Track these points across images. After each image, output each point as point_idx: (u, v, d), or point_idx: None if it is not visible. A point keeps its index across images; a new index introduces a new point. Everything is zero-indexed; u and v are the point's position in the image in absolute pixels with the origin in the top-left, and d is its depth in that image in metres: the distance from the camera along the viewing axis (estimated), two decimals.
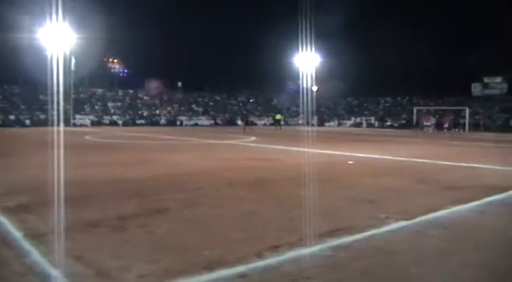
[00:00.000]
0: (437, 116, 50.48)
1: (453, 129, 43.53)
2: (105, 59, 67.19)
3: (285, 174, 11.47)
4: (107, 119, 55.85)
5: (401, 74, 65.56)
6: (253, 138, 28.52)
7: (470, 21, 56.90)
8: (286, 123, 58.41)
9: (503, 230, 6.02)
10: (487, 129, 48.84)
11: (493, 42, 57.19)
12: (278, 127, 45.67)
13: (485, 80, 61.58)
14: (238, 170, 12.12)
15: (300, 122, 50.05)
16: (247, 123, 44.09)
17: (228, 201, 7.75)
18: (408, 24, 59.93)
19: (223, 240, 5.37)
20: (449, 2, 58.28)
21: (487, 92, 61.30)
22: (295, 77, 55.54)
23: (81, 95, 59.24)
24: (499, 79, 60.95)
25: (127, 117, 57.36)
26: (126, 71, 70.38)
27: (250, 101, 71.71)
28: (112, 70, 69.79)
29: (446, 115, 48.71)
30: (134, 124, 54.56)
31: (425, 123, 46.79)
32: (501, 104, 58.35)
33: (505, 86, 60.37)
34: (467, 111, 49.54)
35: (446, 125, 44.90)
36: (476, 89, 62.24)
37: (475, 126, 48.11)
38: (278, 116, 50.06)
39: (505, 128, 49.57)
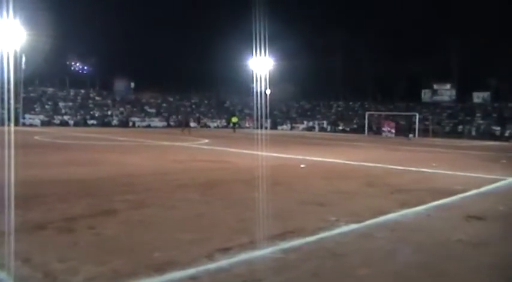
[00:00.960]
0: (402, 122, 51.40)
1: (410, 135, 44.45)
2: (65, 58, 65.46)
3: (237, 176, 11.52)
4: (57, 119, 54.60)
5: (353, 79, 66.65)
6: (206, 140, 28.46)
7: (421, 29, 58.29)
8: (239, 126, 58.45)
9: (446, 233, 6.22)
10: (435, 134, 50.08)
11: (443, 49, 58.84)
12: (234, 130, 45.70)
13: (435, 86, 63.06)
14: (190, 172, 12.10)
15: (247, 125, 50.18)
16: (186, 124, 44.04)
17: (179, 203, 7.72)
18: (360, 31, 60.98)
19: (174, 242, 5.36)
20: (400, 10, 59.52)
21: (436, 98, 62.79)
22: (249, 80, 55.58)
23: (31, 94, 57.79)
24: (448, 86, 62.52)
25: (78, 117, 56.25)
26: (85, 67, 68.71)
27: (204, 102, 71.50)
28: (72, 68, 67.99)
29: (406, 120, 49.63)
30: (85, 124, 53.58)
31: (384, 129, 47.38)
32: (449, 110, 59.94)
33: (453, 92, 61.98)
34: (417, 116, 50.68)
35: (389, 129, 45.82)
36: (425, 95, 63.64)
37: (425, 132, 49.23)
38: (234, 119, 50.07)
39: (452, 134, 51.03)
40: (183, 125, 44.02)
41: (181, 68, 60.92)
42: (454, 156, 22.60)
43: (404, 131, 47.72)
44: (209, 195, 8.63)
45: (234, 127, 46.96)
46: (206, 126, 61.50)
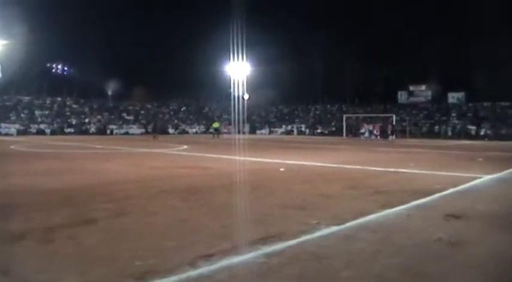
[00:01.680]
0: (380, 124, 51.65)
1: (388, 136, 44.63)
2: (42, 66, 64.55)
3: (217, 182, 11.48)
4: (34, 127, 53.95)
5: (331, 83, 66.93)
6: (185, 146, 28.36)
7: (397, 32, 58.86)
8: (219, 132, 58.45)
9: (426, 233, 6.25)
10: (413, 135, 50.61)
11: (418, 52, 59.43)
12: (216, 135, 45.55)
13: (411, 88, 63.82)
14: (170, 179, 12.03)
15: (225, 130, 50.09)
16: (155, 130, 44.22)
17: (160, 210, 7.67)
18: (338, 35, 61.44)
19: (155, 249, 5.31)
20: (376, 14, 60.13)
21: (413, 99, 63.49)
22: (227, 85, 55.53)
23: (7, 103, 57.06)
24: (423, 87, 63.30)
25: (55, 125, 55.64)
26: (65, 71, 67.75)
27: (182, 109, 71.23)
28: (52, 72, 66.96)
29: (387, 122, 49.85)
30: (63, 133, 52.99)
31: (363, 131, 47.43)
32: (426, 111, 60.61)
33: (429, 93, 62.74)
34: (394, 118, 51.13)
35: (389, 132, 45.93)
36: (402, 96, 64.34)
37: (402, 133, 49.70)
38: (216, 124, 49.91)
39: (429, 134, 51.66)
40: (155, 132, 44.29)
41: (160, 75, 60.61)
42: (431, 156, 22.82)
43: (383, 132, 48.01)
44: (190, 201, 8.58)
45: (215, 133, 46.82)
46: (185, 132, 61.29)
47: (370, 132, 49.68)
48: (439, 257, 5.21)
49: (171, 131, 60.86)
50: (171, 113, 69.67)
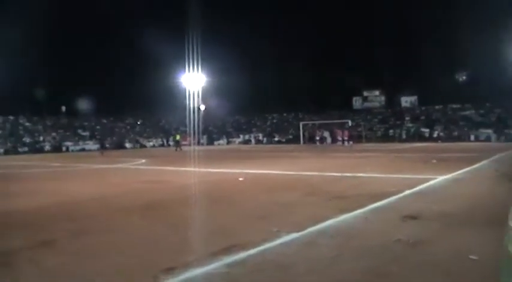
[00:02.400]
0: (337, 130, 51.99)
1: (348, 142, 44.87)
2: None
3: (177, 195, 11.40)
4: None
5: (286, 91, 67.43)
6: (143, 160, 28.05)
7: (350, 38, 59.79)
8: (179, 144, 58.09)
9: (385, 235, 6.37)
10: (368, 140, 51.37)
11: (372, 58, 60.44)
12: (178, 148, 45.09)
13: (365, 93, 64.73)
14: (129, 194, 11.89)
15: (184, 142, 49.87)
16: (102, 146, 44.42)
17: (120, 227, 7.57)
18: (291, 42, 62.07)
19: (117, 267, 5.25)
20: (329, 22, 60.97)
21: (367, 104, 64.41)
22: (183, 96, 55.13)
23: None
24: (377, 92, 64.33)
25: (8, 145, 54.23)
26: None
27: (138, 123, 70.50)
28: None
29: (344, 128, 50.23)
30: (17, 152, 51.68)
31: (339, 138, 47.56)
32: (380, 115, 61.59)
33: (382, 98, 63.80)
34: (350, 123, 51.77)
35: (340, 138, 46.12)
36: (357, 102, 65.20)
37: (358, 138, 50.29)
38: (178, 137, 49.44)
39: (384, 138, 52.55)
40: (102, 147, 44.79)
41: (115, 89, 59.78)
42: (387, 159, 23.22)
43: (334, 138, 48.52)
44: (150, 216, 8.51)
45: (177, 145, 46.44)
46: (142, 146, 60.64)
47: (322, 139, 50.17)
48: (398, 258, 5.31)
49: (128, 145, 60.03)
50: (128, 127, 68.85)
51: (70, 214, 9.01)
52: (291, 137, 59.83)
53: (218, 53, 50.46)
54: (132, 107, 68.36)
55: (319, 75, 62.45)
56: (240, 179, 14.57)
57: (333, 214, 7.85)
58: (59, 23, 52.67)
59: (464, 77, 57.80)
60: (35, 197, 11.87)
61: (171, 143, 59.10)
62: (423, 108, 59.94)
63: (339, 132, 46.75)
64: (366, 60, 59.93)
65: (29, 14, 47.81)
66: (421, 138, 50.78)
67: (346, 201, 9.33)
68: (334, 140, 49.42)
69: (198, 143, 50.63)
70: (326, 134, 52.90)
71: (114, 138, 61.90)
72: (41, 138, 58.13)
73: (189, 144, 46.01)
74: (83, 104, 62.66)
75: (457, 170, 14.99)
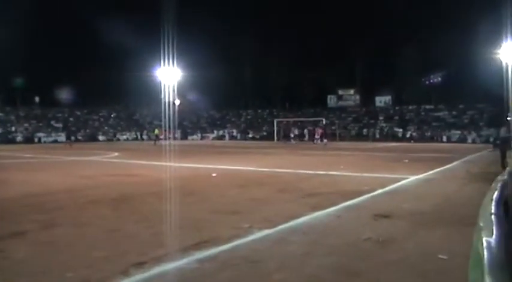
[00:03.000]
0: (310, 128, 51.93)
1: (321, 140, 44.71)
2: None
3: (148, 189, 11.34)
4: None
5: (261, 87, 67.61)
6: (116, 153, 27.83)
7: (326, 37, 60.01)
8: (149, 138, 57.60)
9: (356, 233, 6.43)
10: (342, 138, 51.72)
11: (347, 56, 60.86)
12: (156, 142, 44.76)
13: (340, 92, 64.97)
14: (100, 187, 11.79)
15: (160, 136, 49.48)
16: (69, 138, 45.49)
17: (90, 220, 7.50)
18: (266, 39, 62.08)
19: (87, 260, 5.19)
20: (305, 20, 61.30)
21: (342, 103, 64.69)
22: (158, 90, 54.63)
23: None
24: (351, 91, 64.67)
25: None
26: None
27: (112, 115, 69.84)
28: None
29: (318, 126, 50.25)
30: None
31: (316, 136, 47.35)
32: (354, 114, 62.00)
33: (357, 97, 64.16)
34: (324, 121, 51.98)
35: (317, 136, 45.82)
36: (331, 100, 65.45)
37: (332, 136, 50.49)
38: (157, 131, 49.06)
39: (358, 137, 52.94)
40: (69, 139, 45.55)
41: (89, 80, 59.07)
42: (360, 158, 23.41)
43: (312, 136, 48.56)
44: (121, 210, 8.45)
45: (156, 139, 46.17)
46: (116, 139, 60.13)
47: (296, 137, 50.24)
48: (368, 256, 5.36)
49: (101, 138, 59.46)
50: (101, 119, 68.18)
51: (41, 206, 8.89)
52: (265, 133, 59.89)
53: (194, 48, 50.24)
54: (107, 100, 67.73)
55: (294, 73, 62.74)
56: (213, 174, 14.56)
57: (305, 211, 7.90)
58: (33, 14, 51.80)
59: (438, 78, 58.64)
60: (5, 188, 11.71)
61: (145, 137, 58.69)
62: (397, 108, 60.52)
63: (317, 130, 46.66)
64: (341, 59, 60.37)
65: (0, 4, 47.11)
66: (394, 138, 51.31)
67: (319, 198, 9.38)
68: (310, 137, 49.51)
69: (173, 138, 50.34)
70: (303, 131, 53.08)
71: (88, 130, 61.27)
72: (13, 129, 57.30)
73: (164, 139, 45.68)
74: (57, 95, 61.93)
75: (429, 170, 15.20)
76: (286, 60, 62.01)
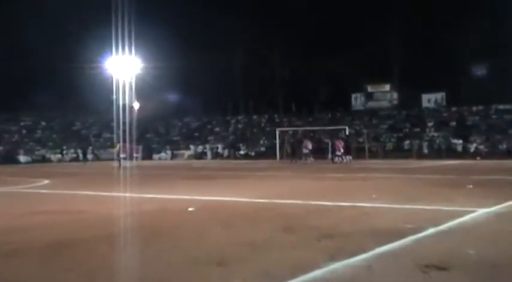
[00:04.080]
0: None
1: (342, 157, 44.18)
2: None
3: (96, 231, 11.21)
4: None
5: (257, 84, 67.50)
6: (46, 181, 27.66)
7: (345, 11, 60.12)
8: (97, 157, 57.46)
9: None
10: (373, 155, 51.48)
11: (378, 38, 60.88)
12: (119, 164, 43.79)
13: (369, 88, 64.85)
14: (25, 231, 11.61)
15: (122, 155, 48.91)
16: None
17: (11, 278, 7.38)
18: (263, 19, 62.21)
19: None
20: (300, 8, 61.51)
21: (372, 104, 64.66)
22: (109, 89, 54.56)
23: None
24: (386, 87, 64.49)
25: None
26: None
27: (40, 125, 69.61)
28: None
29: (338, 137, 49.83)
30: None
31: (338, 153, 46.56)
32: (391, 120, 61.75)
33: (394, 95, 63.98)
34: (347, 131, 51.80)
35: (339, 152, 44.87)
36: (357, 101, 65.44)
37: (358, 152, 50.19)
38: (117, 147, 47.55)
39: (397, 153, 52.41)
40: None
41: (6, 75, 58.82)
42: (400, 182, 23.35)
43: (328, 151, 48.10)
44: (54, 264, 8.32)
45: (119, 159, 45.13)
46: (45, 159, 59.69)
47: (311, 152, 49.80)
48: None
49: (22, 158, 58.78)
50: (24, 131, 67.94)
51: None
52: (263, 149, 59.95)
53: (161, 29, 50.32)
54: (32, 103, 67.16)
55: (303, 63, 62.77)
56: (190, 209, 14.46)
57: (322, 260, 7.79)
58: None
59: None
60: None
61: (89, 156, 58.09)
62: (454, 109, 60.19)
63: (337, 143, 46.15)
64: (371, 42, 60.34)
65: None
66: (450, 153, 50.76)
67: (340, 241, 9.29)
68: (327, 154, 49.08)
69: (131, 157, 49.99)
70: (319, 145, 52.89)
71: (1, 147, 60.72)
72: None
73: (126, 158, 45.23)
74: None
75: (504, 201, 15.05)
76: (291, 46, 62.16)
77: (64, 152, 63.42)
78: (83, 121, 71.99)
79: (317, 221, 11.95)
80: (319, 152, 51.93)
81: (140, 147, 60.57)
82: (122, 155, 45.53)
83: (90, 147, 61.12)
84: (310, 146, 50.85)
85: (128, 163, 40.67)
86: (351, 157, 44.14)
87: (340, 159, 43.56)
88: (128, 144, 47.80)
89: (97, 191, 21.29)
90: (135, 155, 53.89)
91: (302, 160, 47.03)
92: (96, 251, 9.28)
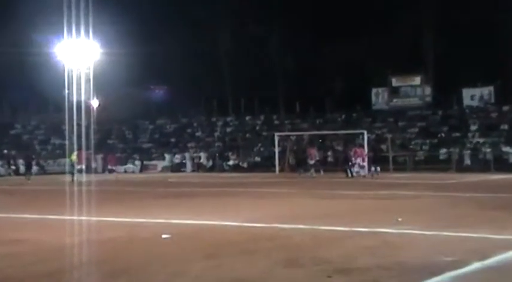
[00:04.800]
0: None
1: (373, 169, 44.03)
2: None
3: (38, 268, 11.11)
4: None
5: (250, 76, 67.43)
6: None
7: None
8: (43, 170, 57.45)
9: None
10: (400, 166, 51.42)
11: (404, 19, 60.98)
12: (73, 178, 43.71)
13: (394, 82, 64.56)
14: None
15: (78, 166, 48.64)
16: None
17: None
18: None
19: None
20: None
21: (399, 102, 64.53)
22: (59, 82, 54.39)
23: None
24: (416, 79, 64.24)
25: None
26: None
27: None
28: None
29: (356, 144, 49.86)
30: None
31: (356, 161, 46.21)
32: (423, 122, 61.61)
33: (428, 91, 63.78)
34: (365, 136, 51.67)
35: (362, 163, 44.71)
36: (379, 97, 65.22)
37: (380, 162, 50.12)
38: (74, 157, 47.35)
39: (430, 164, 52.27)
40: None
41: None
42: (434, 202, 23.42)
43: (343, 162, 48.13)
44: None
45: (73, 172, 45.12)
46: None
47: (319, 162, 49.76)
48: None
49: None
50: None
51: None
52: (258, 159, 59.99)
53: (125, 6, 50.36)
54: None
55: (309, 50, 62.82)
56: (164, 236, 14.47)
57: None
58: None
59: None
60: None
61: (34, 168, 57.87)
62: (505, 108, 59.97)
63: (358, 152, 46.02)
64: (398, 23, 60.42)
65: None
66: (501, 164, 50.60)
67: (356, 279, 9.32)
68: (340, 165, 49.14)
69: (88, 169, 49.77)
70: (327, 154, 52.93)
71: None
72: None
73: (82, 170, 45.18)
74: None
75: None
76: (296, 26, 62.30)
77: None
78: (24, 123, 71.88)
79: (327, 251, 11.98)
80: (330, 163, 52.06)
81: (99, 157, 60.50)
82: (78, 167, 45.49)
83: (33, 156, 60.86)
84: (316, 156, 50.89)
85: (83, 177, 40.62)
86: (378, 169, 43.95)
87: (361, 171, 43.61)
88: (84, 153, 47.72)
89: (40, 213, 21.23)
90: (93, 165, 53.70)
91: (307, 173, 47.08)
92: None
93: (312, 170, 47.38)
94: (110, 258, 11.44)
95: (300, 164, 50.83)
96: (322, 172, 47.19)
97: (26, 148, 65.04)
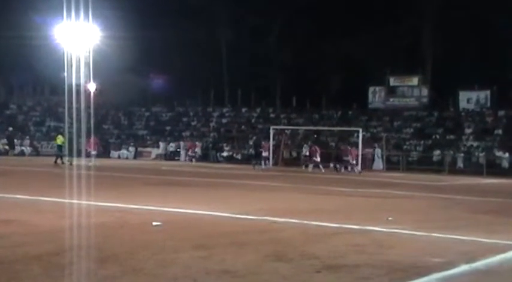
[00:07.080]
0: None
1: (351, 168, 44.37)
2: None
3: (30, 249, 11.06)
4: None
5: (247, 70, 67.37)
6: None
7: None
8: (36, 151, 57.33)
9: None
10: (393, 166, 51.44)
11: (405, 17, 60.92)
12: (61, 161, 43.82)
13: (392, 81, 64.43)
14: None
15: (91, 150, 48.43)
16: None
17: None
18: None
19: None
20: None
21: (395, 101, 64.43)
22: (58, 65, 54.16)
23: None
24: (414, 80, 64.11)
25: None
26: None
27: None
28: None
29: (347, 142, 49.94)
30: None
31: (351, 160, 46.39)
32: (418, 122, 61.61)
33: (424, 91, 63.69)
34: (361, 133, 51.66)
35: (353, 160, 45.00)
36: (376, 96, 65.07)
37: (372, 161, 50.14)
38: (59, 140, 47.27)
39: (424, 165, 52.37)
40: None
41: None
42: (425, 203, 23.41)
43: (337, 160, 48.28)
44: None
45: (60, 155, 45.12)
46: None
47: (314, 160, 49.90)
48: None
49: None
50: None
51: None
52: (252, 152, 59.87)
53: None
54: None
55: (306, 45, 62.74)
56: (155, 223, 14.45)
57: None
58: None
59: None
60: None
61: (27, 148, 57.72)
62: (501, 113, 59.86)
63: (350, 151, 46.26)
64: (396, 21, 60.33)
65: None
66: (494, 168, 50.56)
67: (345, 275, 9.33)
68: (334, 162, 49.28)
69: (86, 154, 49.49)
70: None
71: None
72: None
73: (92, 154, 45.19)
74: None
75: None
76: (295, 19, 62.21)
77: None
78: (19, 103, 71.71)
79: (317, 247, 11.97)
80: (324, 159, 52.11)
81: (93, 142, 60.28)
82: (89, 149, 45.70)
83: (27, 138, 60.70)
84: (314, 153, 50.96)
85: (83, 161, 40.64)
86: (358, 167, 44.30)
87: (351, 168, 43.80)
88: (93, 138, 47.94)
89: (33, 194, 21.16)
90: (89, 150, 53.49)
91: (304, 168, 47.23)
92: (28, 274, 9.15)
93: (310, 166, 47.53)
94: (100, 243, 11.40)
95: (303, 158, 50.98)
96: (323, 169, 47.10)
97: (17, 128, 64.85)
